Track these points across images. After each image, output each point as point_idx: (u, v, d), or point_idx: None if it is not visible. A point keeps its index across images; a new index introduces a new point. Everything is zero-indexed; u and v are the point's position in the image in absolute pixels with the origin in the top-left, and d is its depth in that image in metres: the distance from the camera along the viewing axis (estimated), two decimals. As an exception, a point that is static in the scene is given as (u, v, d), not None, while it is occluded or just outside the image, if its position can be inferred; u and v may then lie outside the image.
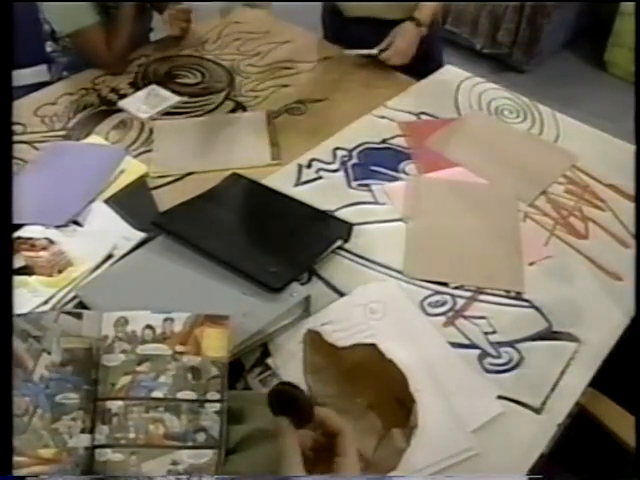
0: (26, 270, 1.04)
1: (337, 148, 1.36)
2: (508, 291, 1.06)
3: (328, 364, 0.87)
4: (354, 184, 1.27)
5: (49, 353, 0.73)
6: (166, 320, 0.77)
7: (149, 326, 0.77)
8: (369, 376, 0.85)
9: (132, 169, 1.29)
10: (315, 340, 0.89)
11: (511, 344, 0.97)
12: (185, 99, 1.54)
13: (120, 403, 0.74)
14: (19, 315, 0.74)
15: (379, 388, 0.83)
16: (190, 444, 0.74)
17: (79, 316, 0.76)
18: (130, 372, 0.75)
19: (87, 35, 1.53)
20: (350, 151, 1.36)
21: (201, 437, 0.74)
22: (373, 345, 0.86)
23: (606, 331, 1.00)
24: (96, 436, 0.73)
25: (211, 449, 0.74)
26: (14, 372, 0.71)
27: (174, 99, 1.53)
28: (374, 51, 1.60)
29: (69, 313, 0.76)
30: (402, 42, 1.58)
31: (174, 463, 0.73)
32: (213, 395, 0.75)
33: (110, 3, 1.58)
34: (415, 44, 1.59)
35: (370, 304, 1.01)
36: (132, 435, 0.74)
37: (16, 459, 0.68)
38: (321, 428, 0.59)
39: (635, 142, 1.33)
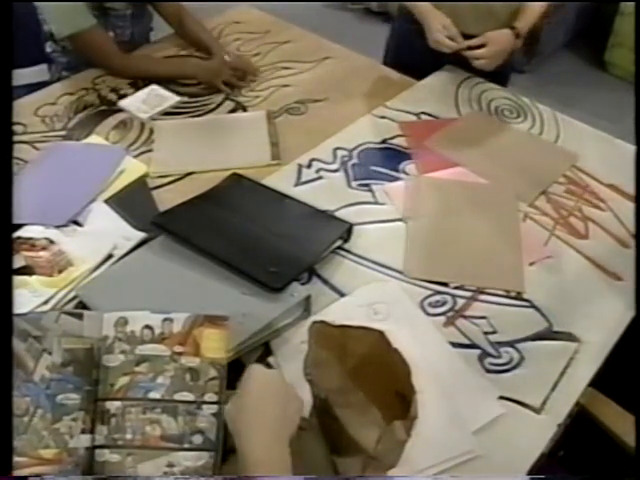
0: (26, 270, 1.04)
1: (337, 148, 1.36)
2: (508, 291, 1.06)
3: (332, 358, 0.87)
4: (354, 184, 1.27)
5: (50, 353, 0.73)
6: (165, 320, 0.77)
7: (148, 326, 0.77)
8: (372, 368, 0.85)
9: (132, 169, 1.29)
10: (321, 332, 0.89)
11: (511, 344, 0.97)
12: (185, 99, 1.53)
13: (118, 404, 0.74)
14: (19, 315, 0.74)
15: (381, 381, 0.83)
16: (187, 446, 0.74)
17: (80, 316, 0.76)
18: (129, 373, 0.75)
19: (85, 38, 1.52)
20: (350, 151, 1.36)
21: (198, 439, 0.74)
22: (381, 332, 0.86)
23: (606, 331, 1.00)
24: (96, 436, 0.73)
25: (208, 452, 0.74)
26: (14, 372, 0.71)
27: (174, 99, 1.52)
28: (462, 45, 1.46)
29: (70, 313, 0.76)
30: (495, 47, 1.45)
31: (170, 465, 0.73)
32: (211, 397, 0.75)
33: (108, 4, 1.58)
34: (506, 54, 1.49)
35: (373, 305, 1.01)
36: (129, 436, 0.74)
37: (17, 459, 0.69)
38: None
39: (635, 142, 1.33)
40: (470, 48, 1.47)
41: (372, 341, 0.86)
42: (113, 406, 0.74)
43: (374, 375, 0.84)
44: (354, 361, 0.86)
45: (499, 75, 1.61)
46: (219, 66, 1.59)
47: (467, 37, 1.49)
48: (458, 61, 1.55)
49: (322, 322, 0.92)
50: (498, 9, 1.55)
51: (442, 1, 1.51)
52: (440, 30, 1.46)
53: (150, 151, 1.36)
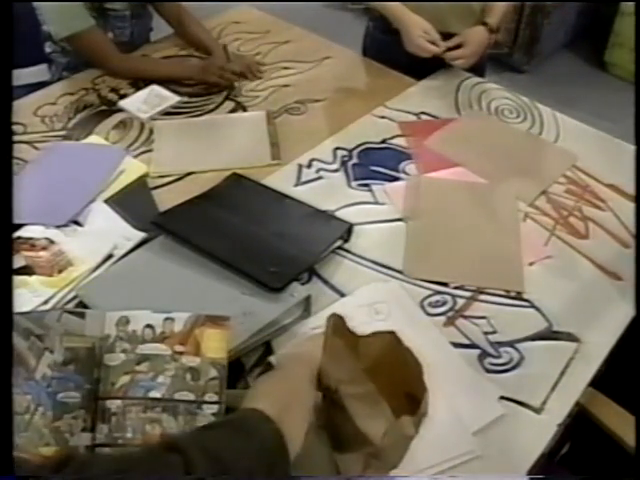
0: (26, 270, 1.04)
1: (337, 148, 1.36)
2: (508, 291, 1.06)
3: (347, 349, 0.87)
4: (354, 184, 1.27)
5: (51, 352, 0.73)
6: (166, 320, 0.77)
7: (149, 325, 0.77)
8: (385, 364, 0.85)
9: (132, 169, 1.29)
10: (338, 325, 0.89)
11: (511, 344, 0.98)
12: (185, 99, 1.54)
13: (119, 402, 0.74)
14: (22, 313, 0.74)
15: (393, 377, 0.83)
16: None
17: (82, 315, 0.76)
18: (130, 372, 0.75)
19: (83, 39, 1.52)
20: (350, 151, 1.36)
21: None
22: (392, 333, 0.86)
23: (606, 331, 1.00)
24: (96, 435, 0.73)
25: None
26: (16, 370, 0.71)
27: (174, 99, 1.52)
28: (438, 49, 1.48)
29: (72, 312, 0.76)
30: (473, 46, 1.49)
31: None
32: (211, 397, 0.75)
33: (108, 4, 1.58)
34: (483, 50, 1.53)
35: (374, 305, 1.01)
36: (129, 435, 0.74)
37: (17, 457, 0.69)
38: None
39: (635, 142, 1.33)
40: (448, 49, 1.49)
41: (384, 344, 0.85)
42: (114, 405, 0.74)
43: (386, 374, 0.84)
44: (367, 363, 0.86)
45: (476, 67, 1.61)
46: (208, 62, 1.60)
47: (447, 35, 1.51)
48: (433, 63, 1.55)
49: (341, 317, 0.92)
50: (476, 7, 1.56)
51: (421, 1, 1.51)
52: (422, 35, 1.46)
53: (150, 151, 1.36)
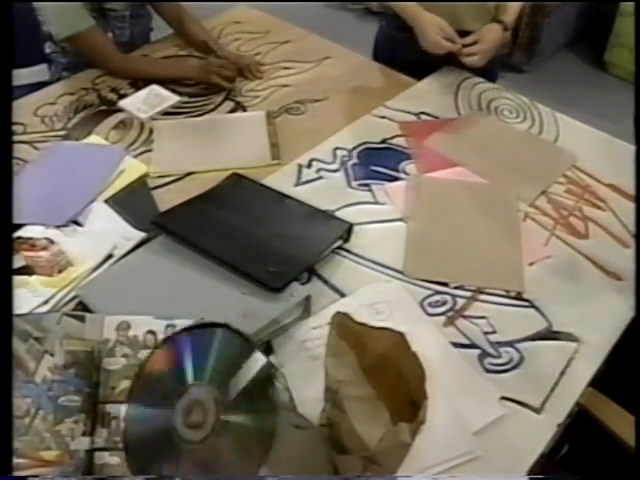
0: (26, 270, 1.04)
1: (337, 148, 1.36)
2: (508, 291, 1.06)
3: (351, 350, 0.87)
4: (354, 184, 1.27)
5: (52, 355, 0.72)
6: (168, 327, 0.77)
7: (151, 332, 0.77)
8: (388, 368, 0.85)
9: (132, 169, 1.29)
10: (342, 323, 0.88)
11: (511, 344, 0.97)
12: (185, 99, 1.53)
13: (119, 407, 0.74)
14: (20, 315, 0.74)
15: (395, 382, 0.83)
16: None
17: (82, 319, 0.76)
18: (130, 376, 0.75)
19: (83, 39, 1.52)
20: (350, 151, 1.36)
21: None
22: (401, 334, 0.86)
23: (606, 331, 1.00)
24: (96, 439, 0.73)
25: None
26: (14, 373, 0.71)
27: (174, 99, 1.52)
28: (455, 46, 1.48)
29: (72, 315, 0.75)
30: (488, 44, 1.49)
31: None
32: None
33: (107, 5, 1.58)
34: (497, 48, 1.52)
35: (375, 304, 1.01)
36: None
37: (17, 461, 0.68)
38: None
39: (635, 142, 1.32)
40: (464, 45, 1.49)
41: (391, 342, 0.85)
42: (114, 409, 0.74)
43: (389, 377, 0.84)
44: (371, 361, 0.86)
45: (489, 71, 1.62)
46: (207, 62, 1.59)
47: (462, 33, 1.51)
48: (447, 61, 1.56)
49: (345, 314, 0.92)
50: (491, 5, 1.56)
51: (438, 1, 1.51)
52: (438, 33, 1.47)
53: (150, 151, 1.36)
